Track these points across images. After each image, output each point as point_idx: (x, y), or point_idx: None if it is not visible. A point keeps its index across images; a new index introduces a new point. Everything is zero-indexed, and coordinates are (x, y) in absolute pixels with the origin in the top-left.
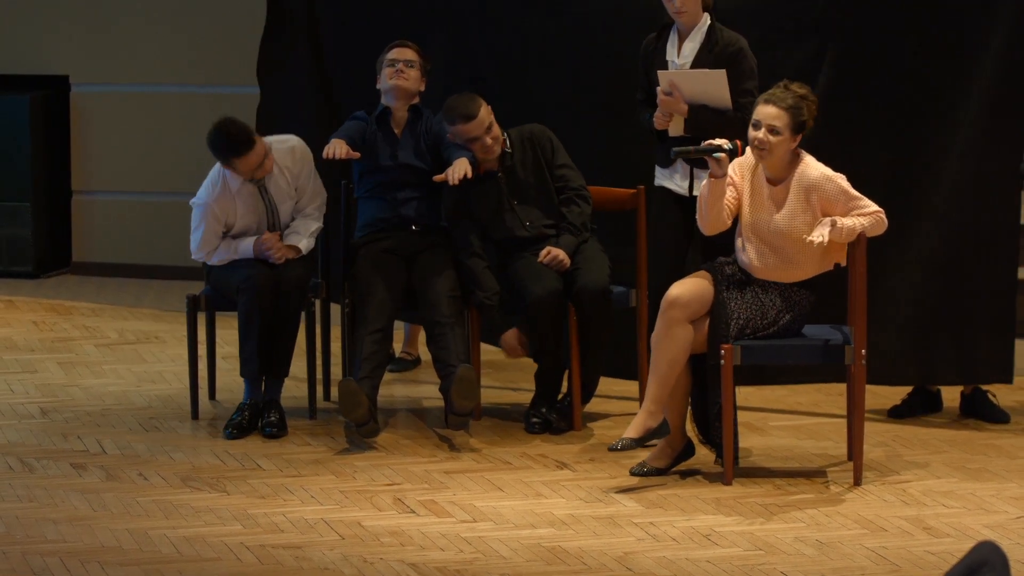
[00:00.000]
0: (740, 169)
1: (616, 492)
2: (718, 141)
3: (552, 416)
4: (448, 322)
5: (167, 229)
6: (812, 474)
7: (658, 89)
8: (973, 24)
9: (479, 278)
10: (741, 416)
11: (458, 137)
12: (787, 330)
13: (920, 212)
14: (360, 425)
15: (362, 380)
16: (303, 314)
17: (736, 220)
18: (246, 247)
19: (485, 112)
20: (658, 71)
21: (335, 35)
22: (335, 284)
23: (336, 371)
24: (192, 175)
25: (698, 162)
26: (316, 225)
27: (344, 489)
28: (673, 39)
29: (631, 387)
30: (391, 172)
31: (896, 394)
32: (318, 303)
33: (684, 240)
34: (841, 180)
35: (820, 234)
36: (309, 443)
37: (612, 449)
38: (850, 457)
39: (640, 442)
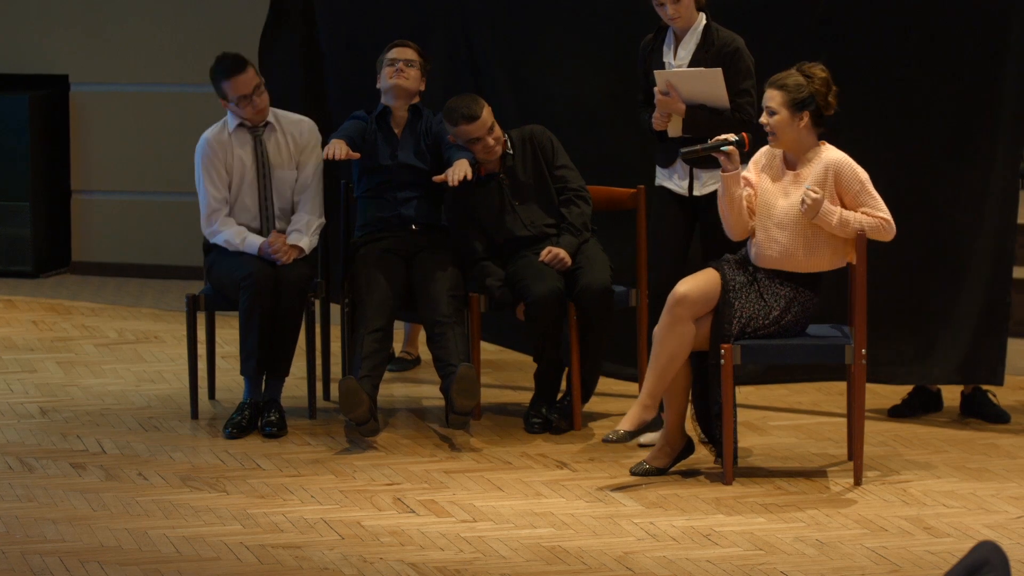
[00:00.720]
0: (755, 166)
1: (616, 492)
2: (724, 136)
3: (552, 416)
4: (448, 321)
5: (166, 229)
6: (812, 474)
7: (655, 89)
8: (973, 24)
9: (486, 270)
10: (741, 415)
11: (460, 138)
12: (789, 330)
13: (920, 212)
14: (360, 424)
15: (362, 379)
16: (303, 313)
17: None
18: (252, 243)
19: (487, 113)
20: (655, 71)
21: (334, 35)
22: (335, 283)
23: (336, 370)
24: (192, 175)
25: (701, 162)
26: (318, 221)
27: (344, 489)
28: (669, 40)
29: (631, 387)
30: (391, 172)
31: (896, 394)
32: (318, 302)
33: (684, 240)
34: (862, 172)
35: (815, 190)
36: (309, 443)
37: (607, 440)
38: (850, 457)
39: (635, 434)
